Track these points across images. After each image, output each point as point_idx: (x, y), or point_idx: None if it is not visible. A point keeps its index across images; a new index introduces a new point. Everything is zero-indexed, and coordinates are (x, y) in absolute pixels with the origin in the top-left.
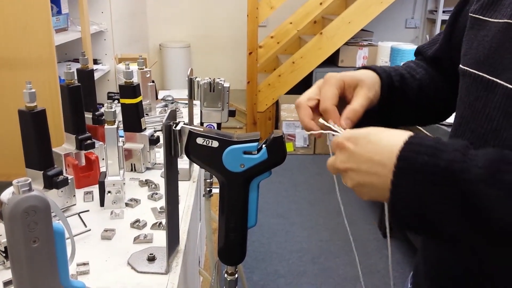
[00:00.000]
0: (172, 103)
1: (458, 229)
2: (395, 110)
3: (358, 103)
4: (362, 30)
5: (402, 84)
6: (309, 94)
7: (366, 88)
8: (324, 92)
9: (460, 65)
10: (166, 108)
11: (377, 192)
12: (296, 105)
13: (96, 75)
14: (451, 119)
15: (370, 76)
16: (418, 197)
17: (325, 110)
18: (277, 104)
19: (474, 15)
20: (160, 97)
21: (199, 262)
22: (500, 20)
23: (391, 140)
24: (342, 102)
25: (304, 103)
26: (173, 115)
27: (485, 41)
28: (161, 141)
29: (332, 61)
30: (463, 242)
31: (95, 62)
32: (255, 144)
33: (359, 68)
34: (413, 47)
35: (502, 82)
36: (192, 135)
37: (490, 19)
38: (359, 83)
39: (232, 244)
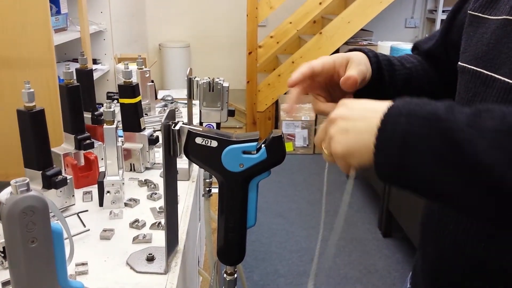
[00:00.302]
0: (171, 103)
1: (437, 170)
2: (383, 95)
3: (353, 71)
4: (361, 29)
5: (389, 69)
6: (301, 68)
7: (357, 62)
8: (313, 61)
9: (459, 62)
10: (166, 108)
11: (360, 138)
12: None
13: (96, 75)
14: None
15: (360, 56)
16: (402, 138)
17: (310, 68)
18: (276, 104)
19: (473, 13)
20: (159, 97)
21: (198, 262)
22: (499, 17)
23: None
24: (335, 85)
25: (297, 76)
26: (172, 115)
27: (484, 38)
28: (160, 141)
29: None
30: (443, 195)
31: (95, 62)
32: (254, 143)
33: (349, 51)
34: None
35: (499, 77)
36: (191, 135)
37: (489, 17)
38: (350, 60)
39: (231, 244)
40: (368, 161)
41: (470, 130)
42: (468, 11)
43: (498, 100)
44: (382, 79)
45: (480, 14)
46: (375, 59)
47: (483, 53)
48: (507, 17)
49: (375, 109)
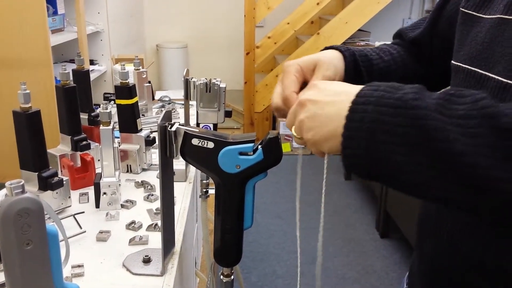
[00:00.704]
0: (169, 103)
1: (408, 160)
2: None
3: (317, 76)
4: (359, 30)
5: (367, 64)
6: (275, 93)
7: (324, 67)
8: (283, 82)
9: (452, 61)
10: (163, 109)
11: (328, 125)
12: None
13: (93, 76)
14: None
15: (329, 55)
16: (370, 128)
17: (285, 98)
18: None
19: (466, 11)
20: (157, 97)
21: (195, 263)
22: (493, 16)
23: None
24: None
25: (275, 106)
26: (168, 116)
27: (479, 37)
28: (157, 142)
29: None
30: (410, 182)
31: (92, 62)
32: (251, 145)
33: (324, 49)
34: None
35: (493, 76)
36: (188, 136)
37: (483, 16)
38: (317, 63)
39: (227, 246)
40: (337, 149)
41: (441, 117)
42: (461, 9)
43: (493, 99)
44: (360, 75)
45: (474, 13)
46: (352, 58)
47: (478, 52)
48: (501, 16)
49: (345, 92)
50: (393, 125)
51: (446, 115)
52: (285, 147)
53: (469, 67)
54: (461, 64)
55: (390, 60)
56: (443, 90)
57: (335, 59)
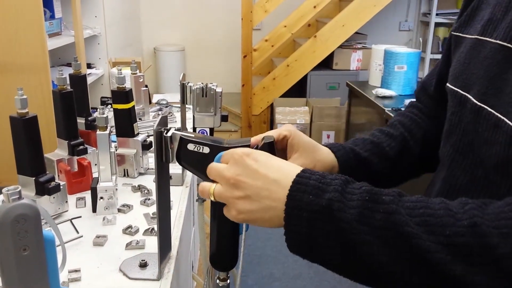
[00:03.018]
0: (166, 106)
1: (341, 262)
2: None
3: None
4: (356, 33)
5: (368, 172)
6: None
7: (301, 160)
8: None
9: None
10: (160, 112)
11: (266, 216)
12: None
13: (90, 79)
14: None
15: (322, 159)
16: (307, 230)
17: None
18: (271, 107)
19: (455, 33)
20: (154, 100)
21: (192, 267)
22: (472, 36)
23: (289, 165)
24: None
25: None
26: (164, 121)
27: (461, 57)
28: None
29: (326, 64)
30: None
31: (89, 66)
32: None
33: (328, 145)
34: (407, 50)
35: (471, 97)
36: (183, 141)
37: (465, 35)
38: (310, 152)
39: (223, 250)
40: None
41: (362, 228)
42: (451, 32)
43: (471, 121)
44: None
45: (459, 34)
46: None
47: (459, 73)
48: (478, 36)
49: (278, 183)
50: (326, 233)
51: (367, 225)
52: None
53: (452, 87)
54: (449, 85)
55: (392, 158)
56: (366, 190)
57: (328, 159)
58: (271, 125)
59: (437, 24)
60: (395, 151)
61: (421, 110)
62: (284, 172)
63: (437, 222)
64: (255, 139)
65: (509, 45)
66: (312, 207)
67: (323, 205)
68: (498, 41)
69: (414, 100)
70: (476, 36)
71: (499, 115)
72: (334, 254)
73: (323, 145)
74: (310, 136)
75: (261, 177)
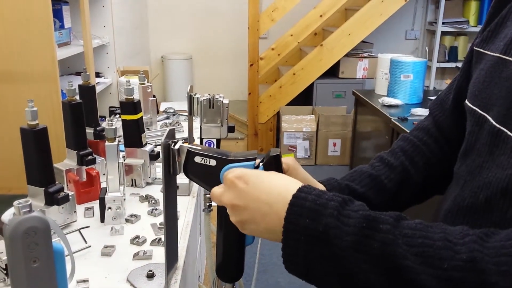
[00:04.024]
0: (173, 115)
1: (338, 286)
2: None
3: None
4: (362, 41)
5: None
6: None
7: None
8: None
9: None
10: (167, 121)
11: (266, 235)
12: None
13: (98, 88)
14: None
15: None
16: (304, 254)
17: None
18: (278, 115)
19: (476, 49)
20: (161, 109)
21: (199, 276)
22: (494, 54)
23: (281, 184)
24: None
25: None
26: (171, 134)
27: (481, 75)
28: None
29: (332, 73)
30: None
31: (97, 75)
32: (252, 162)
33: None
34: (413, 58)
35: (489, 118)
36: (190, 154)
37: (487, 52)
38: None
39: (229, 262)
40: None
41: (358, 256)
42: (474, 47)
43: (487, 142)
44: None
45: (481, 50)
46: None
47: (479, 91)
48: (500, 55)
49: (270, 205)
50: (323, 258)
51: (364, 253)
52: None
53: (471, 105)
54: (467, 102)
55: (392, 189)
56: (362, 215)
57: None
58: (278, 133)
59: (443, 33)
60: (394, 183)
61: (428, 131)
62: (274, 193)
63: (435, 254)
64: None
65: None
66: (310, 231)
67: (320, 231)
68: None
69: (424, 116)
70: (498, 55)
71: None
72: (331, 277)
73: (319, 181)
74: (316, 144)
75: (253, 200)
